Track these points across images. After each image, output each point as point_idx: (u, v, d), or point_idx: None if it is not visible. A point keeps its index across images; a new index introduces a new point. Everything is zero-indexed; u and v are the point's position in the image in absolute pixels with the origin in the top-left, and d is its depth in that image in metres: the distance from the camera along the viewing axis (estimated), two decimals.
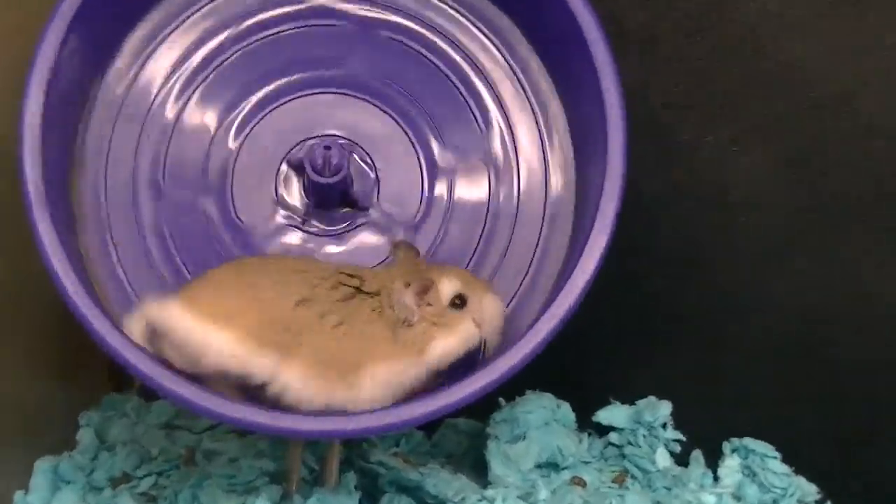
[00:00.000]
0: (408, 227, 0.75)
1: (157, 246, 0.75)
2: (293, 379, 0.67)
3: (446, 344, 0.68)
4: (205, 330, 0.67)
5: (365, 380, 0.67)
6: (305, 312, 0.67)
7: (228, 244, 0.75)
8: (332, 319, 0.68)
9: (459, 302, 0.69)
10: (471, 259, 0.75)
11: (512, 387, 0.72)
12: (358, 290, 0.68)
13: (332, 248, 0.76)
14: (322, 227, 0.76)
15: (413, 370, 0.68)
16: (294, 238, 0.76)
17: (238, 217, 0.75)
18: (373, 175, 0.75)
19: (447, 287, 0.69)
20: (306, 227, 0.75)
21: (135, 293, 0.73)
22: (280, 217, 0.76)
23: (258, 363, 0.67)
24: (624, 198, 0.68)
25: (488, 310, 0.69)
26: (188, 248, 0.75)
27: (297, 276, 0.68)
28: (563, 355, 0.71)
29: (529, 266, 0.75)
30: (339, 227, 0.76)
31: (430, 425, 0.82)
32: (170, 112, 0.77)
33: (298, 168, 0.75)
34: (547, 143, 0.75)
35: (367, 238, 0.76)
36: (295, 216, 0.76)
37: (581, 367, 0.85)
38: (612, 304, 0.81)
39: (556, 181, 0.75)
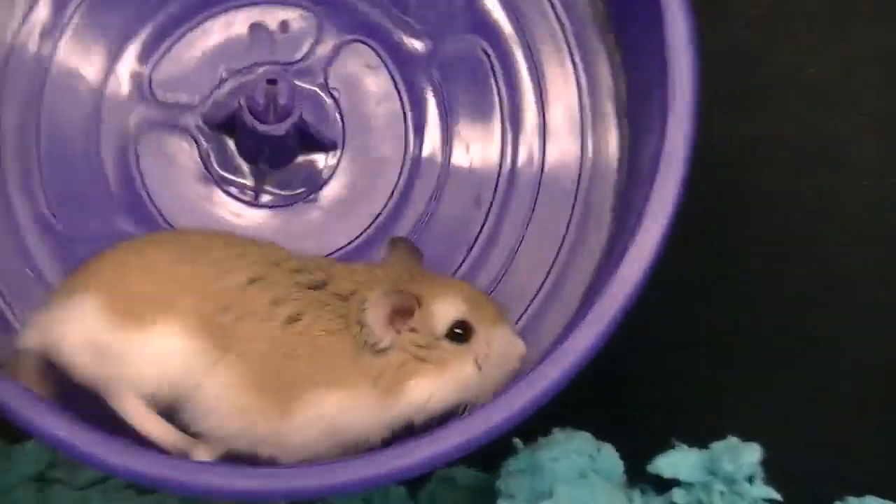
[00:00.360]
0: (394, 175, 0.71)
1: (38, 239, 0.69)
2: (214, 386, 0.60)
3: (433, 387, 0.61)
4: (138, 331, 0.60)
5: (304, 410, 0.60)
6: (255, 294, 0.61)
7: (119, 202, 0.70)
8: (286, 310, 0.61)
9: (461, 332, 0.62)
10: (473, 244, 0.70)
11: (532, 422, 0.64)
12: (323, 285, 0.62)
13: (294, 217, 0.71)
14: (280, 192, 0.71)
15: (374, 414, 0.61)
16: (245, 219, 0.70)
17: (154, 203, 0.70)
18: (332, 106, 0.71)
19: (445, 310, 0.62)
20: (259, 201, 0.70)
21: (11, 310, 0.68)
22: (219, 194, 0.70)
23: (190, 359, 0.60)
24: (688, 177, 0.63)
25: (498, 351, 0.63)
26: (82, 231, 0.69)
27: (251, 251, 0.62)
28: (605, 378, 0.67)
29: (556, 256, 0.70)
30: (301, 188, 0.71)
31: (415, 478, 0.68)
32: (36, 50, 0.71)
33: (225, 126, 0.70)
34: (587, 105, 0.71)
35: (343, 193, 0.71)
36: (242, 190, 0.70)
37: (630, 394, 0.79)
38: (675, 306, 0.77)
39: (595, 153, 0.71)
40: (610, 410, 0.77)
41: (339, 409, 0.61)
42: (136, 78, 0.70)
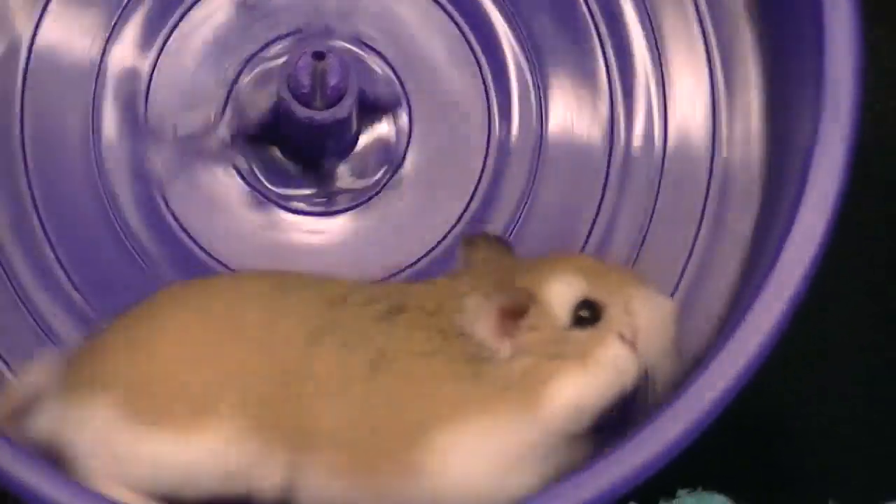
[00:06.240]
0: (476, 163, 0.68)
1: (33, 279, 0.65)
2: (317, 484, 0.57)
3: (580, 385, 0.57)
4: (162, 438, 0.56)
5: (438, 460, 0.56)
6: (321, 351, 0.56)
7: (159, 263, 0.66)
8: (363, 355, 0.57)
9: (589, 314, 0.58)
10: (585, 243, 0.67)
11: (652, 483, 0.58)
12: (402, 308, 0.58)
13: (386, 209, 0.66)
14: (351, 184, 0.67)
15: (521, 432, 0.57)
16: (326, 231, 0.66)
17: (176, 218, 0.66)
18: (385, 72, 0.67)
19: (561, 295, 0.58)
20: (334, 206, 0.67)
21: (8, 366, 0.63)
22: (282, 216, 0.66)
23: (260, 470, 0.57)
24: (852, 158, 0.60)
25: (643, 314, 0.59)
26: (90, 272, 0.65)
27: (302, 296, 0.58)
28: (745, 427, 0.67)
29: (687, 261, 0.66)
30: (374, 177, 0.66)
31: None
32: (17, 27, 0.67)
33: (262, 126, 0.66)
34: (720, 81, 0.67)
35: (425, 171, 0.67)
36: (303, 200, 0.67)
37: (777, 448, 0.73)
38: (834, 336, 0.72)
39: (732, 136, 0.67)
40: (749, 467, 0.71)
41: (482, 438, 0.57)
42: (127, 116, 0.67)
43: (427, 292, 0.59)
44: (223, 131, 0.66)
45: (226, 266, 0.65)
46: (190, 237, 0.66)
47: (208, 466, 0.57)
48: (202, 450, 0.57)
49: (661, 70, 0.68)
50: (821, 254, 0.58)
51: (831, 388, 0.73)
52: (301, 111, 0.62)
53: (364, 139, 0.66)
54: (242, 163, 0.66)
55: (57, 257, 0.65)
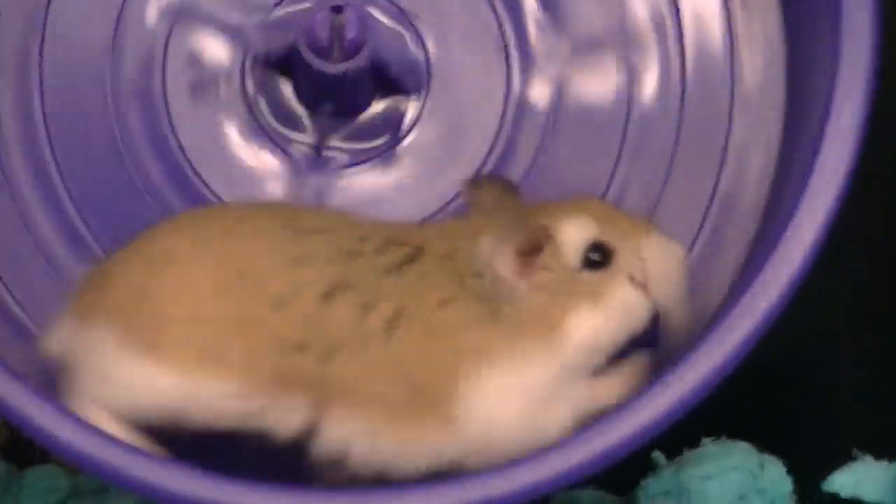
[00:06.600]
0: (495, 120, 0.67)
1: (46, 215, 0.65)
2: (340, 433, 0.57)
3: (594, 323, 0.58)
4: (172, 373, 0.56)
5: (472, 407, 0.57)
6: (338, 311, 0.56)
7: (170, 200, 0.66)
8: (383, 311, 0.57)
9: (600, 257, 0.59)
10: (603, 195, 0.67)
11: (676, 431, 0.57)
12: (417, 254, 0.58)
13: (369, 179, 0.66)
14: (350, 146, 0.66)
15: (549, 363, 0.58)
16: (302, 184, 0.66)
17: (187, 158, 0.66)
18: (414, 41, 0.66)
19: (573, 236, 0.58)
20: (321, 158, 0.66)
21: (19, 306, 0.64)
22: (267, 155, 0.66)
23: (279, 415, 0.57)
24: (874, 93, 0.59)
25: (654, 259, 0.59)
26: (100, 209, 0.65)
27: (317, 247, 0.57)
28: (766, 375, 0.67)
29: (709, 206, 0.65)
30: (378, 140, 0.66)
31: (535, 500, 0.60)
32: None
33: (279, 63, 0.66)
34: (738, 13, 0.67)
35: (429, 148, 0.66)
36: (299, 140, 0.66)
37: (799, 395, 0.73)
38: (857, 277, 0.72)
39: (752, 70, 0.67)
40: (772, 415, 0.71)
41: (507, 380, 0.57)
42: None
43: (439, 235, 0.60)
44: (246, 40, 0.66)
45: (203, 180, 0.65)
46: (176, 139, 0.66)
47: (215, 407, 0.57)
48: (210, 392, 0.57)
49: (679, 21, 0.67)
50: (848, 184, 0.57)
51: (857, 336, 0.73)
52: (309, 58, 0.62)
53: (372, 107, 0.66)
54: (249, 87, 0.66)
55: (66, 186, 0.65)
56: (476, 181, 0.62)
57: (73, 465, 0.60)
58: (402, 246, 0.58)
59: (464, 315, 0.58)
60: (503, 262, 0.57)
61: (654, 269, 0.59)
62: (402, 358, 0.57)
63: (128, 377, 0.57)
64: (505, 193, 0.61)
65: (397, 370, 0.57)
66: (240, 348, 0.56)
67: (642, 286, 0.59)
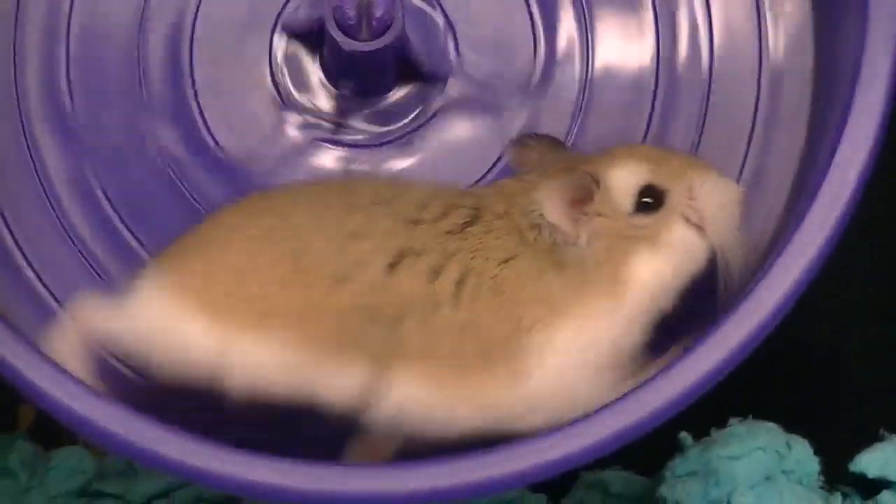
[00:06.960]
0: (520, 101, 0.67)
1: (84, 217, 0.65)
2: (408, 397, 0.57)
3: (655, 265, 0.58)
4: (222, 336, 0.56)
5: (541, 361, 0.57)
6: (405, 279, 0.57)
7: (206, 189, 0.65)
8: (450, 275, 0.57)
9: (652, 201, 0.59)
10: None
11: (703, 409, 0.57)
12: (476, 215, 0.59)
13: (393, 164, 0.66)
14: (370, 128, 0.66)
15: (614, 314, 0.58)
16: (325, 159, 0.66)
17: (216, 141, 0.65)
18: (441, 22, 0.66)
19: (623, 180, 0.58)
20: (342, 136, 0.66)
21: (55, 298, 0.63)
22: (292, 128, 0.66)
23: (336, 381, 0.56)
24: None
25: (709, 199, 0.59)
26: (138, 209, 0.65)
27: (377, 219, 0.58)
28: (792, 354, 0.69)
29: (738, 179, 0.65)
30: (398, 123, 0.66)
31: (556, 482, 0.62)
32: None
33: (307, 35, 0.66)
34: None
35: (451, 133, 0.66)
36: (320, 120, 0.66)
37: (825, 374, 0.73)
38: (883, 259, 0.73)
39: (779, 32, 0.67)
40: (799, 395, 0.71)
41: (576, 331, 0.57)
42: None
43: (495, 194, 0.60)
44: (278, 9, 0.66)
45: (214, 138, 0.66)
46: (195, 93, 0.66)
47: (269, 368, 0.57)
48: (266, 352, 0.57)
49: None
50: (876, 154, 0.57)
51: (886, 316, 0.73)
52: (335, 33, 0.62)
53: (395, 91, 0.66)
54: (276, 54, 0.66)
55: (102, 187, 0.65)
56: (521, 139, 0.62)
57: (100, 447, 0.60)
58: (461, 209, 0.59)
59: (528, 269, 0.58)
60: (556, 213, 0.57)
61: (708, 208, 0.59)
62: (471, 317, 0.57)
63: (187, 335, 0.57)
64: (552, 148, 0.62)
65: (467, 330, 0.57)
66: (298, 318, 0.56)
67: (697, 226, 0.59)
